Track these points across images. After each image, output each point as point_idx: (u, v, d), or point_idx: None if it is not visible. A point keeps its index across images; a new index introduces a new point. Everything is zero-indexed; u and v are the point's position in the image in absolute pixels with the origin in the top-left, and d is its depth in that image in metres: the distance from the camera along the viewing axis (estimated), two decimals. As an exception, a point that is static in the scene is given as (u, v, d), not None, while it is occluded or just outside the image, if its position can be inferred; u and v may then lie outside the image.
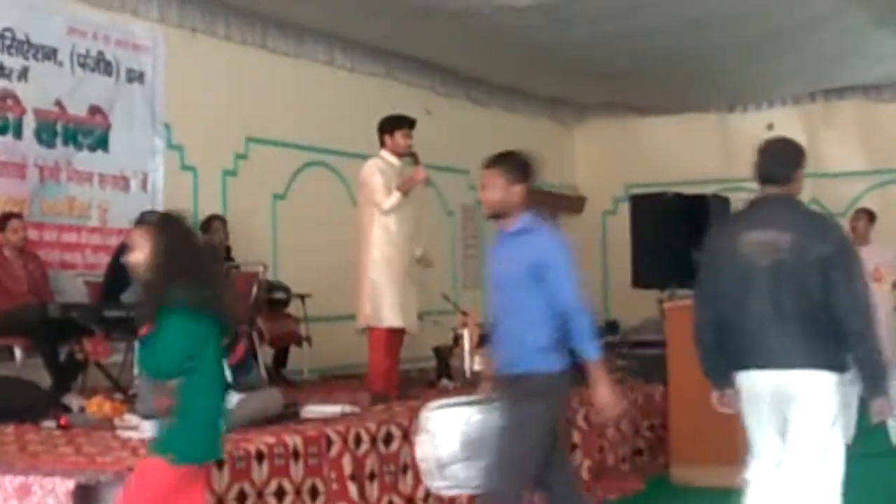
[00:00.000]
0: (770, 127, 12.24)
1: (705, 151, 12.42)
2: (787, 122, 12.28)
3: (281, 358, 8.45)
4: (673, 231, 10.36)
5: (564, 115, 13.24)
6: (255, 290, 7.91)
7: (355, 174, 7.37)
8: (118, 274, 7.34)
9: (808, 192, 11.90)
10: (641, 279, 10.57)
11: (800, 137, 12.65)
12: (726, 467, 6.95)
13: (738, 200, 11.74)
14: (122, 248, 7.54)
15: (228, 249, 8.40)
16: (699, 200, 10.90)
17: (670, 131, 12.63)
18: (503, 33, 9.46)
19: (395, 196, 6.78)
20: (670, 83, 11.33)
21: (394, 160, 6.98)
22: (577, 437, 7.06)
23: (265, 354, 8.03)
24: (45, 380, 6.59)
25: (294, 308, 8.65)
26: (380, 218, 6.84)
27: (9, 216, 6.99)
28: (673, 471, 7.17)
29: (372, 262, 6.80)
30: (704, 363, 4.39)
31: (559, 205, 13.22)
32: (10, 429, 5.62)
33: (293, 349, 8.55)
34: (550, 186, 12.95)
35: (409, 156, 7.00)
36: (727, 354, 4.22)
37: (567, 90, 12.33)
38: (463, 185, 11.62)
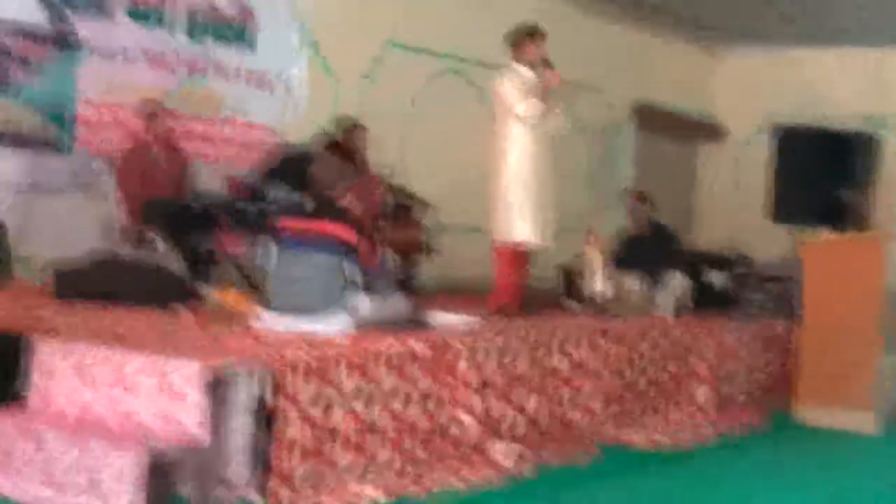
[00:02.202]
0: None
1: (856, 87, 11.91)
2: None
3: (406, 265, 8.50)
4: (816, 167, 10.03)
5: (710, 40, 12.83)
6: (383, 194, 7.95)
7: (492, 85, 7.28)
8: (270, 176, 7.48)
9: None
10: (779, 214, 10.28)
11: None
12: (850, 411, 6.84)
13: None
14: (287, 157, 7.68)
15: (364, 157, 8.44)
16: (846, 137, 10.50)
17: (821, 64, 12.14)
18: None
19: (534, 102, 6.68)
20: (823, 13, 10.83)
21: (526, 72, 6.86)
22: (700, 368, 6.98)
23: (391, 261, 8.08)
24: (181, 269, 6.78)
25: (421, 216, 8.67)
26: (515, 133, 6.76)
27: (155, 107, 7.14)
28: (796, 409, 7.04)
29: (507, 177, 6.74)
30: None
31: (696, 131, 12.96)
32: (148, 312, 5.82)
33: (419, 257, 8.59)
34: (688, 113, 12.68)
35: (542, 64, 6.86)
36: None
37: (716, 15, 11.87)
38: (597, 104, 11.43)
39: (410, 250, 8.51)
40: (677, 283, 7.72)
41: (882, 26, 11.32)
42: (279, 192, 7.22)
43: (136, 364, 4.46)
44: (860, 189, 10.24)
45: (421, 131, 9.46)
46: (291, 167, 7.42)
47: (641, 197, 8.39)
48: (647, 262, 7.91)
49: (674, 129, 12.56)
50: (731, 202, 12.69)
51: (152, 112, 7.07)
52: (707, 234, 12.03)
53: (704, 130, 12.96)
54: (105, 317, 5.59)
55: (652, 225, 8.32)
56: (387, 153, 8.85)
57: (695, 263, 8.63)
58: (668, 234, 8.47)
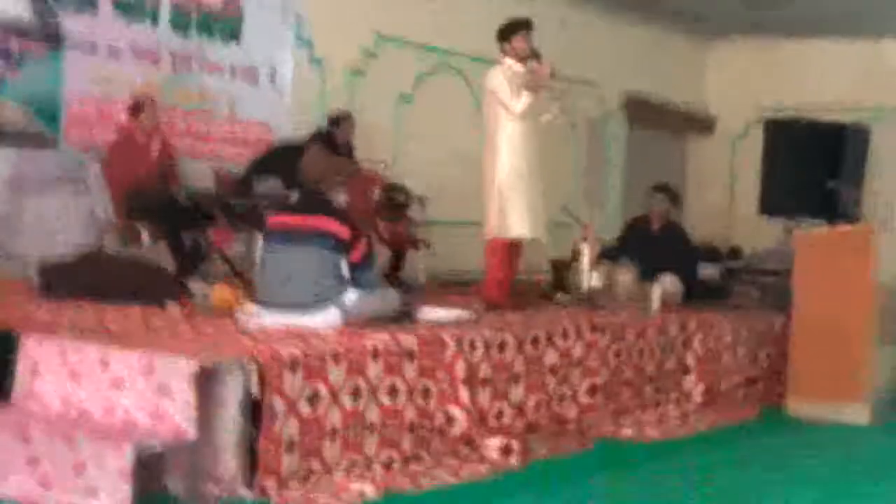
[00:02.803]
0: (922, 55, 11.70)
1: (849, 77, 11.89)
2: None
3: (397, 260, 8.48)
4: (807, 159, 10.02)
5: (702, 32, 12.80)
6: (375, 190, 7.93)
7: (482, 80, 7.25)
8: (263, 171, 7.45)
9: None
10: (769, 206, 10.27)
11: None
12: (843, 403, 6.83)
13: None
14: (279, 150, 7.66)
15: (351, 148, 8.42)
16: (838, 129, 10.48)
17: (813, 55, 12.11)
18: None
19: (526, 96, 6.65)
20: (815, 4, 10.80)
21: (517, 66, 6.83)
22: (691, 361, 6.96)
23: (382, 255, 8.06)
24: (169, 264, 6.74)
25: (413, 211, 8.65)
26: (507, 128, 6.72)
27: (142, 101, 7.10)
28: (789, 402, 7.02)
29: (500, 171, 6.71)
30: None
31: (687, 123, 12.93)
32: (136, 309, 5.77)
33: (409, 252, 8.57)
34: (680, 106, 12.66)
35: (532, 57, 6.83)
36: None
37: (708, 6, 11.83)
38: (590, 98, 11.41)
39: (402, 245, 8.49)
40: (669, 279, 7.67)
41: (874, 16, 11.30)
42: (267, 186, 7.19)
43: (123, 360, 4.43)
44: (851, 181, 10.24)
45: (413, 125, 9.43)
46: (280, 160, 7.39)
47: (664, 190, 8.29)
48: (652, 256, 7.84)
49: (664, 121, 12.54)
50: (724, 194, 12.68)
51: (137, 103, 7.03)
52: (698, 226, 12.01)
53: (695, 122, 12.95)
54: (92, 313, 5.55)
55: (669, 222, 8.22)
56: (378, 147, 8.82)
57: (689, 258, 8.56)
58: (682, 235, 8.33)
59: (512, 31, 6.86)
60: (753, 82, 12.58)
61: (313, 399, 4.56)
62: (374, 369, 4.86)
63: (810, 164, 10.02)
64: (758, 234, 10.53)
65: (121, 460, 4.04)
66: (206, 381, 4.29)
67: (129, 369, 4.40)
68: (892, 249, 7.08)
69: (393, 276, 8.17)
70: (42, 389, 4.62)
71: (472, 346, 5.42)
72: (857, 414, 6.79)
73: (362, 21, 8.92)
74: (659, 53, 12.27)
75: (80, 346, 4.58)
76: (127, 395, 4.39)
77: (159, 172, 7.08)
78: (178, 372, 4.24)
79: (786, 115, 10.81)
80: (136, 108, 7.02)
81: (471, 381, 5.36)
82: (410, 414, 5.03)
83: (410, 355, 5.08)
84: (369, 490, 4.54)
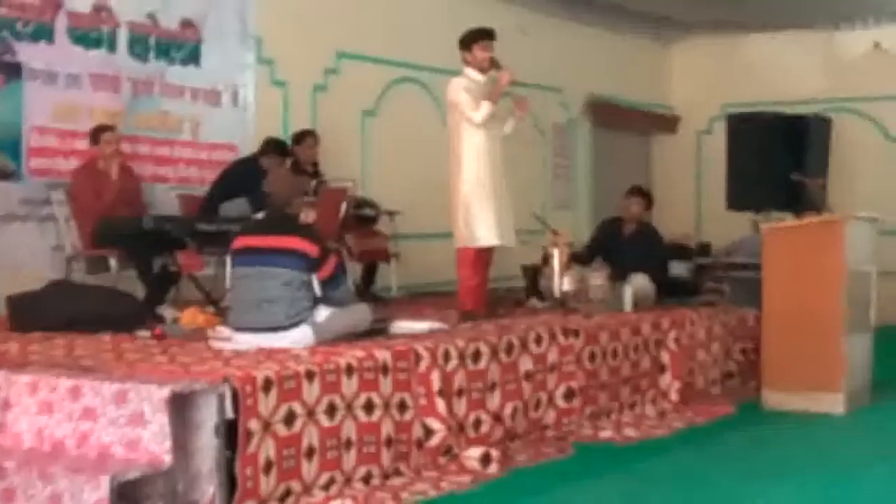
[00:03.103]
0: (877, 45, 11.80)
1: (808, 70, 11.98)
2: (894, 41, 11.81)
3: (369, 274, 8.47)
4: (771, 152, 10.10)
5: (664, 33, 12.88)
6: (343, 206, 7.92)
7: (443, 90, 7.25)
8: (224, 191, 7.42)
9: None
10: (736, 201, 10.36)
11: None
12: (818, 394, 6.86)
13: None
14: (235, 167, 7.65)
15: (316, 165, 8.41)
16: (799, 121, 10.58)
17: (772, 49, 12.20)
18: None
19: (486, 106, 6.67)
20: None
21: (477, 76, 6.85)
22: (666, 359, 6.98)
23: (353, 270, 8.05)
24: (139, 291, 6.70)
25: (383, 225, 8.64)
26: (469, 137, 6.74)
27: (103, 128, 7.07)
28: (764, 395, 7.04)
29: (464, 181, 6.73)
30: None
31: (650, 123, 13.00)
32: (106, 337, 5.74)
33: (381, 266, 8.56)
34: (644, 105, 12.72)
35: (492, 67, 6.85)
36: None
37: (668, 7, 11.91)
38: (555, 104, 11.45)
39: (373, 258, 8.47)
40: (640, 279, 7.69)
41: (829, 8, 11.40)
42: (233, 207, 7.18)
43: (95, 389, 4.40)
44: (816, 172, 10.33)
45: (380, 140, 9.42)
46: (241, 176, 7.38)
47: (639, 193, 8.31)
48: (624, 257, 7.86)
49: (629, 122, 12.61)
50: (691, 191, 12.75)
51: (98, 130, 7.00)
52: (666, 225, 12.08)
53: (659, 121, 13.03)
54: (63, 344, 5.51)
55: (641, 223, 8.24)
56: (345, 163, 8.81)
57: (660, 257, 8.59)
58: (654, 236, 8.33)
59: (473, 39, 6.88)
60: (715, 79, 12.67)
61: (289, 419, 4.54)
62: (348, 385, 4.85)
63: (774, 157, 10.12)
64: (726, 229, 10.59)
65: (97, 492, 4.00)
66: (180, 407, 4.26)
67: (101, 399, 4.37)
68: (857, 237, 7.12)
69: (366, 290, 8.16)
70: (14, 423, 4.58)
71: (447, 356, 5.42)
72: (833, 404, 6.82)
73: (322, 38, 8.91)
74: (621, 55, 12.33)
75: (50, 378, 4.55)
76: (100, 425, 4.35)
77: (124, 196, 7.03)
78: (151, 399, 4.22)
79: (748, 109, 10.90)
80: (96, 135, 6.99)
81: (447, 391, 5.35)
82: (388, 428, 5.02)
83: (385, 369, 5.07)
84: (350, 507, 4.53)
